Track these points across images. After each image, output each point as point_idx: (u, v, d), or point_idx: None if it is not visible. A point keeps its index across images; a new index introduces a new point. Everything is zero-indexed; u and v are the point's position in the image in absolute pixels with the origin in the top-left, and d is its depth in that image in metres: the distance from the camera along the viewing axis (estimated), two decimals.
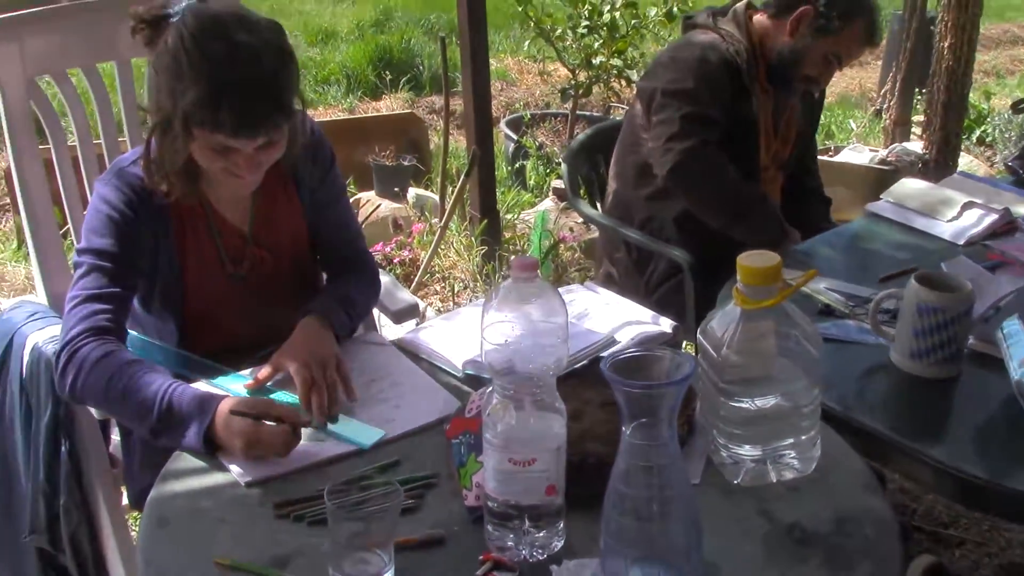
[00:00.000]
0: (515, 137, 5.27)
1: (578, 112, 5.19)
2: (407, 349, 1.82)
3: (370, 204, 3.94)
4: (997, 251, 2.17)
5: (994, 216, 2.31)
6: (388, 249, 3.30)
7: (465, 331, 1.81)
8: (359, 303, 1.87)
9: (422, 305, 3.09)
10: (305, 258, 1.89)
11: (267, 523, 1.35)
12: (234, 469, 1.46)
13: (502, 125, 5.60)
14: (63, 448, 1.91)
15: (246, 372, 1.70)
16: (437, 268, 3.20)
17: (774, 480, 1.42)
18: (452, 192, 3.24)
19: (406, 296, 2.27)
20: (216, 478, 1.45)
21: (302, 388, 1.57)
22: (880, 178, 3.86)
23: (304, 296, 1.81)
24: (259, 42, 1.52)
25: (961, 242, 2.27)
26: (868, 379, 1.77)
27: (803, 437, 1.44)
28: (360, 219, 3.93)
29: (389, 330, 2.39)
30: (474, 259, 3.13)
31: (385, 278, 2.32)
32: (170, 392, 1.51)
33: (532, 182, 5.04)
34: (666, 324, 1.87)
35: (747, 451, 1.42)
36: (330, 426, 1.54)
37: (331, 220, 1.90)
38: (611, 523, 1.19)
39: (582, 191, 2.84)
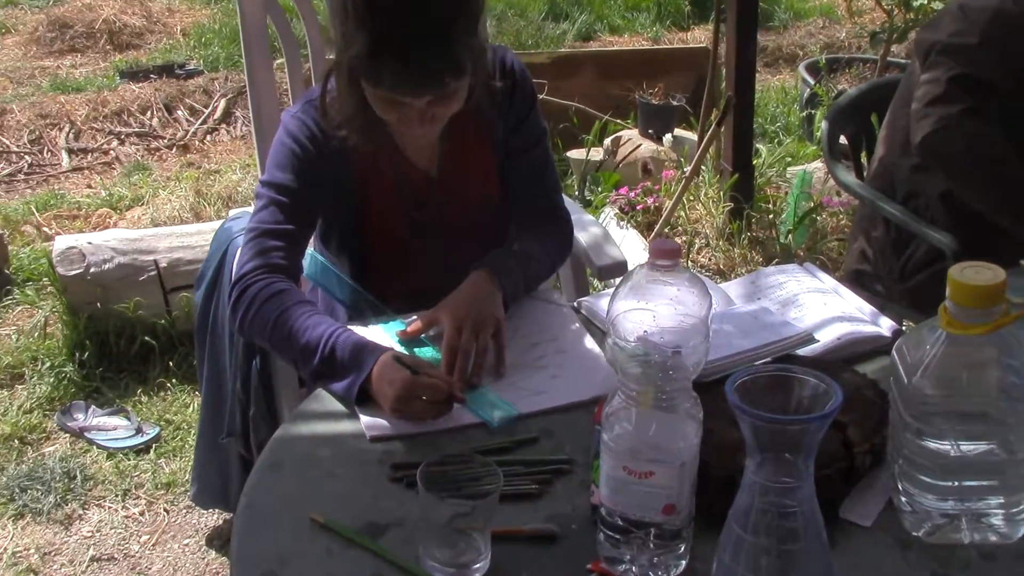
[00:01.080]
0: (811, 82, 4.85)
1: (889, 59, 4.66)
2: (584, 314, 1.67)
3: (630, 143, 3.77)
4: None
5: None
6: (633, 195, 3.13)
7: (662, 298, 1.64)
8: (541, 264, 1.74)
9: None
10: (494, 206, 1.77)
11: (378, 485, 1.28)
12: (364, 420, 1.39)
13: (801, 68, 5.17)
14: (255, 363, 1.95)
15: (406, 319, 1.63)
16: (681, 221, 3.00)
17: (966, 542, 1.16)
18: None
19: (615, 252, 2.10)
20: (343, 426, 1.40)
21: (446, 351, 1.48)
22: None
23: (489, 246, 1.70)
24: None
25: None
26: None
27: (1016, 496, 1.16)
28: (618, 158, 3.78)
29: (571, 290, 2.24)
30: (719, 216, 2.89)
31: (596, 229, 2.17)
32: (334, 339, 1.46)
33: (819, 134, 4.62)
34: (885, 325, 1.59)
35: (934, 502, 1.16)
36: (466, 396, 1.44)
37: (525, 168, 1.76)
38: (723, 568, 1.00)
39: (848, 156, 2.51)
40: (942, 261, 2.18)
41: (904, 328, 1.60)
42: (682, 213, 3.01)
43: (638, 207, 3.10)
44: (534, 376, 1.51)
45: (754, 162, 2.99)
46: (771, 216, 2.98)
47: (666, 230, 2.98)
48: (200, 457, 2.30)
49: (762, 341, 1.49)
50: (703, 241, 2.90)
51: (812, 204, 2.93)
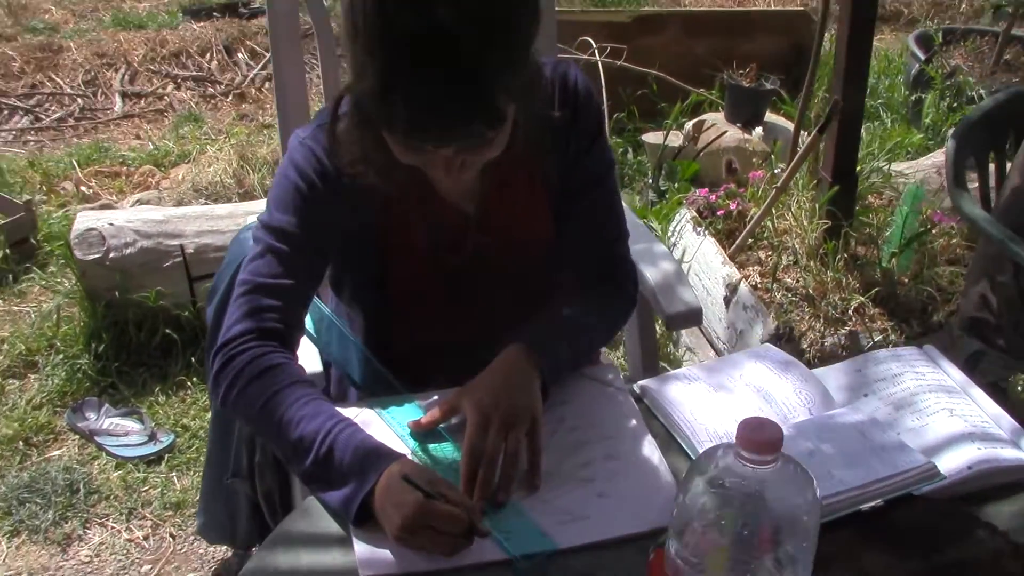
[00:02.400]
0: (922, 57, 4.37)
1: (1013, 32, 4.16)
2: (647, 403, 1.35)
3: (715, 130, 3.37)
4: None
5: None
6: (714, 197, 2.77)
7: (746, 390, 1.31)
8: (594, 335, 1.42)
9: (718, 293, 2.55)
10: (542, 254, 1.44)
11: None
12: (359, 551, 1.10)
13: (910, 40, 4.67)
14: None
15: (423, 403, 1.32)
16: (767, 233, 2.64)
17: None
18: (805, 139, 2.61)
19: (688, 297, 1.77)
20: (331, 557, 1.11)
21: (467, 454, 1.17)
22: None
23: (532, 300, 1.38)
24: (457, 15, 1.04)
25: None
26: None
27: None
28: (699, 145, 3.39)
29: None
30: (811, 232, 2.53)
31: (668, 266, 1.83)
32: (333, 435, 1.17)
33: (928, 120, 4.16)
34: None
35: None
36: (488, 519, 1.14)
37: (584, 210, 1.42)
38: None
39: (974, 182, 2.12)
40: None
41: None
42: (768, 224, 2.65)
43: (718, 212, 2.74)
44: (575, 493, 1.20)
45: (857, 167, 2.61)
46: (872, 231, 2.60)
47: (749, 242, 2.62)
48: (206, 491, 2.05)
49: (873, 476, 1.15)
50: (791, 258, 2.54)
51: (921, 222, 2.53)
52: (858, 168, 2.98)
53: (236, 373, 1.26)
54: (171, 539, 2.26)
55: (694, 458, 1.24)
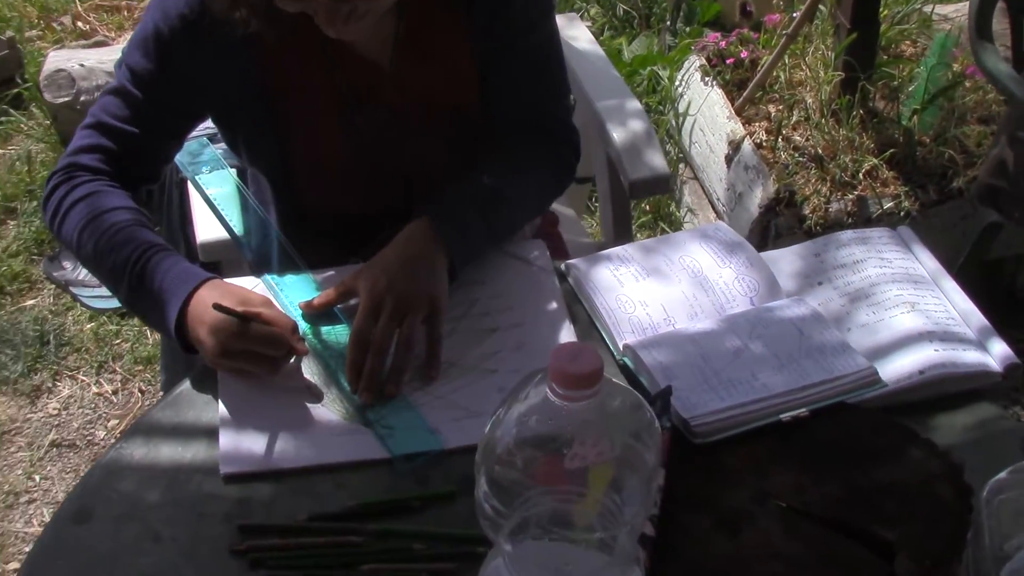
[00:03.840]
0: None
1: None
2: (571, 284, 1.22)
3: None
4: None
5: None
6: (724, 44, 2.52)
7: (682, 276, 1.18)
8: (521, 207, 1.27)
9: (721, 151, 2.35)
10: (469, 114, 1.28)
11: (212, 558, 0.91)
12: (223, 445, 1.02)
13: None
14: None
15: (320, 277, 1.20)
16: (778, 86, 2.41)
17: None
18: None
19: (656, 161, 1.60)
20: (192, 452, 1.02)
21: (353, 341, 1.07)
22: None
23: (459, 172, 1.23)
24: None
25: None
26: None
27: None
28: None
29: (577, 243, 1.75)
30: (825, 84, 2.29)
31: (638, 125, 1.66)
32: (147, 256, 1.11)
33: None
34: (997, 353, 1.09)
35: None
36: (372, 411, 1.04)
37: (511, 67, 1.25)
38: None
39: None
40: None
41: None
42: (781, 75, 2.42)
43: (728, 60, 2.51)
44: (475, 386, 1.09)
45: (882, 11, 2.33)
46: (896, 85, 2.36)
47: (757, 95, 2.40)
48: (165, 349, 1.99)
49: (802, 381, 1.02)
50: (802, 114, 2.32)
51: (951, 75, 2.28)
52: (894, 9, 2.70)
53: (59, 202, 1.18)
54: (140, 394, 2.23)
55: (613, 352, 1.12)
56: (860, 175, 2.22)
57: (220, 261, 1.50)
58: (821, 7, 2.46)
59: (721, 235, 1.24)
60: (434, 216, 1.15)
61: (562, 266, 1.24)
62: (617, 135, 1.62)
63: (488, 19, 1.21)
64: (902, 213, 2.18)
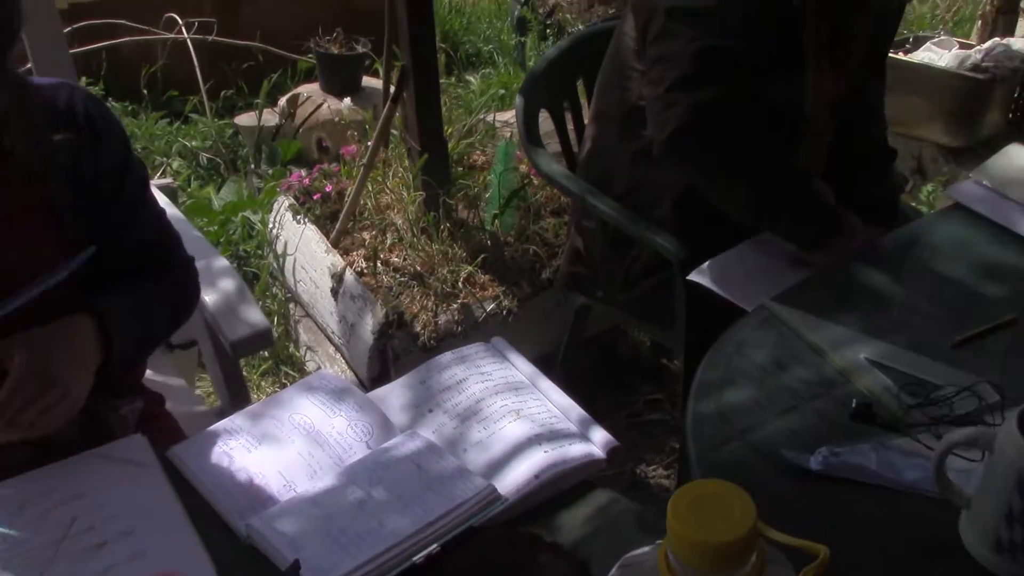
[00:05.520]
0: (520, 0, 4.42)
1: None
2: (181, 472, 1.14)
3: (311, 103, 3.16)
4: None
5: None
6: (308, 181, 2.57)
7: (295, 435, 1.14)
8: (161, 316, 1.32)
9: (326, 285, 2.37)
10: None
11: None
12: None
13: None
14: None
15: None
16: (368, 210, 2.48)
17: None
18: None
19: (254, 317, 1.57)
20: None
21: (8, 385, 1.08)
22: (970, 91, 2.88)
23: None
24: None
25: None
26: (922, 567, 1.06)
27: None
28: (297, 121, 3.17)
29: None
30: (410, 205, 2.40)
31: (228, 283, 1.62)
32: None
33: (532, 63, 4.20)
34: (599, 441, 1.16)
35: None
36: None
37: (134, 233, 1.28)
38: None
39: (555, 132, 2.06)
40: (668, 268, 1.80)
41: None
42: (368, 202, 2.49)
43: (315, 196, 2.55)
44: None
45: (445, 132, 2.48)
46: (474, 194, 2.52)
47: (349, 225, 2.45)
48: None
49: (428, 517, 1.02)
50: (395, 236, 2.41)
51: (519, 177, 2.48)
52: (459, 125, 2.89)
53: None
54: None
55: (237, 532, 1.06)
56: (460, 284, 2.33)
57: None
58: (393, 131, 2.58)
59: (327, 383, 1.23)
60: (94, 312, 1.16)
61: (167, 454, 1.15)
62: (210, 297, 1.57)
63: (90, 209, 1.20)
64: (504, 312, 2.31)
